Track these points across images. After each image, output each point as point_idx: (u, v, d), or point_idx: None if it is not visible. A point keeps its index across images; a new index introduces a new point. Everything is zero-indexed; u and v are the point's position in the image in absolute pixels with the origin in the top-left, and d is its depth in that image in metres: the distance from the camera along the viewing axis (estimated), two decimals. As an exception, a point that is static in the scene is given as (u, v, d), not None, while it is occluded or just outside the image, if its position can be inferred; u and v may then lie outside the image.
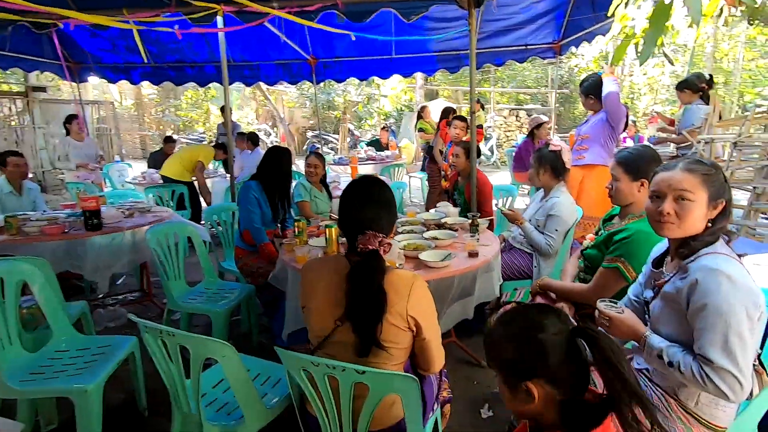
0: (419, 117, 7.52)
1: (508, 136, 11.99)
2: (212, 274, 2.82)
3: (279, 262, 2.28)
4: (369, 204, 1.32)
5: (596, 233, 1.94)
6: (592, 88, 3.14)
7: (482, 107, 8.98)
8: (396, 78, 8.25)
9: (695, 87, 4.12)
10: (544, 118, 5.96)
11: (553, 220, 2.54)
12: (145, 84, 7.57)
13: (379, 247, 1.28)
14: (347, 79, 7.66)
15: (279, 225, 3.01)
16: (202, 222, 3.93)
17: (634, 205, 1.78)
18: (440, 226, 2.61)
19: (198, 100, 14.79)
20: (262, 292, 2.79)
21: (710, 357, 1.09)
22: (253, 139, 6.02)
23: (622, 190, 1.77)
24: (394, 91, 16.99)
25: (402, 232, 2.49)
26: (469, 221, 2.62)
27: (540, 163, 2.65)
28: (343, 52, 6.84)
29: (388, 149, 7.23)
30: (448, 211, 2.88)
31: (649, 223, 1.33)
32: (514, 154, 5.99)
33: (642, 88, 13.05)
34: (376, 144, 7.51)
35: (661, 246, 1.43)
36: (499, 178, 8.75)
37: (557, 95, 12.19)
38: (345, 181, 4.86)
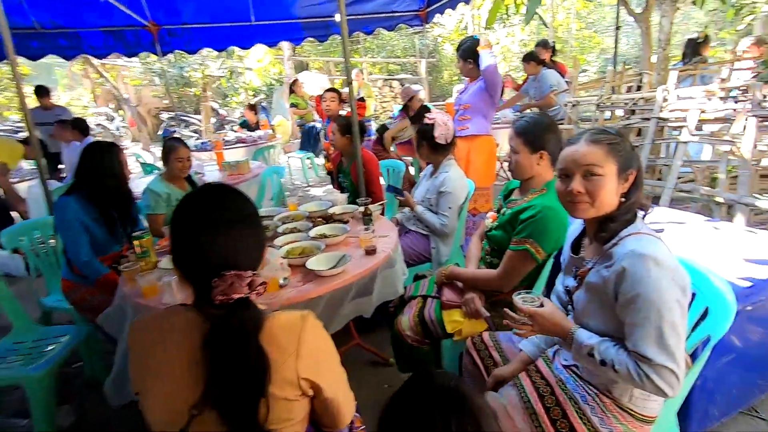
0: (291, 91, 6.91)
1: (384, 108, 11.92)
2: (23, 319, 2.05)
3: (116, 296, 1.70)
4: (223, 230, 0.87)
5: (498, 211, 1.79)
6: (470, 52, 3.01)
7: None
8: (262, 49, 7.40)
9: (538, 59, 4.53)
10: (416, 88, 5.91)
11: (445, 197, 2.37)
12: None
13: (251, 291, 0.88)
14: (200, 50, 6.60)
15: (127, 240, 2.30)
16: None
17: (535, 179, 1.64)
18: (328, 218, 2.25)
19: (1, 80, 11.64)
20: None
21: (646, 354, 0.98)
22: (79, 126, 4.77)
23: (522, 164, 1.62)
24: (260, 63, 15.69)
25: (283, 233, 2.07)
26: (361, 210, 2.31)
27: (421, 138, 2.46)
28: (192, 17, 5.81)
29: (259, 129, 6.51)
30: (334, 199, 2.52)
31: (563, 206, 1.18)
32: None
33: (497, 56, 14.09)
34: (246, 125, 6.71)
35: (577, 227, 1.30)
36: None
37: (426, 64, 12.50)
38: (210, 171, 4.14)
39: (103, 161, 2.12)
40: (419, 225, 2.53)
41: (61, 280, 2.20)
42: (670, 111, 2.56)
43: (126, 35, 5.86)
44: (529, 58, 4.71)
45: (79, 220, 2.03)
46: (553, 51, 4.85)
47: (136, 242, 1.74)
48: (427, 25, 6.83)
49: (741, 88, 2.23)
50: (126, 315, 1.58)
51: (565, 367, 1.24)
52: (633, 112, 2.84)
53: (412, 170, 4.98)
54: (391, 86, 11.96)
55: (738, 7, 3.30)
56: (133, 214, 2.32)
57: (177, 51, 6.45)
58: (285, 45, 10.45)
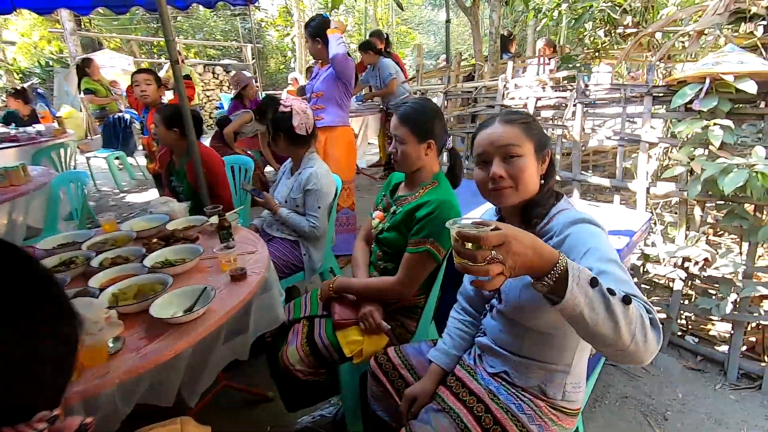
0: (83, 74, 5.46)
1: (208, 96, 10.60)
2: None
3: None
4: None
5: (385, 210, 1.60)
6: (318, 31, 2.71)
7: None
8: (29, 21, 5.55)
9: (376, 48, 4.61)
10: (248, 75, 5.34)
11: (313, 195, 2.08)
12: None
13: None
14: None
15: None
16: None
17: (423, 171, 1.50)
18: (167, 238, 1.71)
19: None
20: None
21: (631, 291, 0.78)
22: None
23: (409, 155, 1.45)
24: (26, 39, 12.22)
25: (101, 266, 1.47)
26: (212, 221, 1.84)
27: (277, 129, 2.12)
28: None
29: (37, 122, 4.94)
30: (170, 210, 1.96)
31: (483, 195, 1.07)
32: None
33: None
34: (15, 118, 5.02)
35: (490, 214, 1.21)
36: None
37: (250, 49, 11.59)
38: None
39: None
40: (285, 230, 2.18)
41: None
42: (510, 99, 2.79)
43: None
44: (366, 47, 4.69)
45: None
46: (387, 42, 4.94)
47: None
48: (252, 7, 6.27)
49: (566, 78, 2.59)
50: None
51: (492, 375, 1.14)
52: (476, 100, 3.03)
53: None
54: (213, 72, 10.73)
55: (537, 10, 3.87)
56: None
57: None
58: (65, 16, 8.28)
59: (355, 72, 2.85)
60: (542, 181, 1.06)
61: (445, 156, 1.65)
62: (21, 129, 4.69)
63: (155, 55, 12.85)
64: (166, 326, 1.16)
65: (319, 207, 2.09)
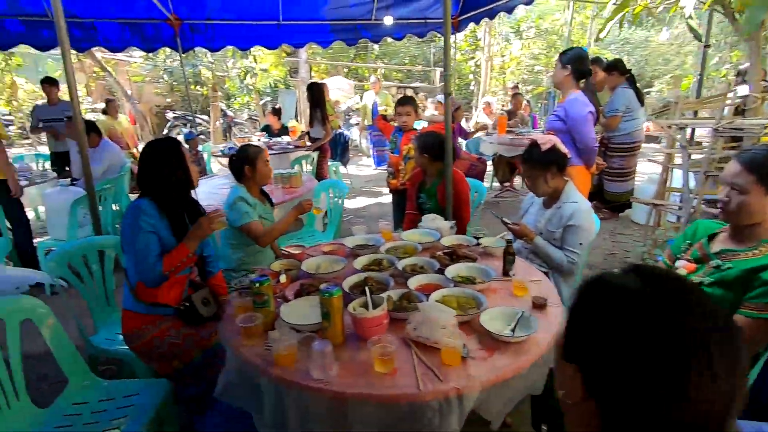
0: (312, 95, 6.52)
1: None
2: (82, 373, 1.64)
3: (233, 360, 1.32)
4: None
5: (700, 260, 1.47)
6: (575, 62, 2.57)
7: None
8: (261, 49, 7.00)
9: (623, 68, 4.07)
10: (456, 101, 5.67)
11: (575, 231, 2.04)
12: None
13: None
14: (223, 48, 6.20)
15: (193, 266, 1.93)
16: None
17: (763, 225, 1.33)
18: (451, 254, 1.87)
19: (-6, 69, 10.91)
20: (181, 382, 1.75)
21: None
22: (95, 129, 4.21)
23: (752, 206, 1.30)
24: (264, 64, 15.19)
25: (408, 272, 1.70)
26: (485, 244, 1.96)
27: (545, 165, 2.11)
28: (217, 13, 5.46)
29: (287, 134, 6.07)
30: (439, 227, 2.17)
31: None
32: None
33: (510, 66, 13.95)
34: (269, 130, 6.27)
35: None
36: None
37: (439, 73, 12.25)
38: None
39: (162, 163, 1.79)
40: (535, 259, 2.20)
41: (122, 314, 1.79)
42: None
43: (145, 29, 5.47)
44: (612, 68, 4.17)
45: (151, 225, 1.71)
46: (615, 68, 4.32)
47: (255, 288, 1.35)
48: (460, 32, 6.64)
49: None
50: (261, 389, 1.20)
51: None
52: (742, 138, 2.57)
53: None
54: (405, 94, 11.68)
55: None
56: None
57: (198, 48, 6.07)
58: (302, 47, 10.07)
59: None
60: None
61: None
62: (272, 139, 5.86)
63: (357, 77, 14.61)
64: (495, 342, 1.27)
65: (580, 244, 2.04)
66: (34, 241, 3.62)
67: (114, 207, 3.85)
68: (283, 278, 1.56)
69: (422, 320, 1.26)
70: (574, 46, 2.72)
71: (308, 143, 5.46)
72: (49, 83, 5.16)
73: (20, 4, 4.59)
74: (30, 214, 3.83)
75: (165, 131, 10.10)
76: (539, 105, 11.60)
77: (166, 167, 1.78)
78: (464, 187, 2.63)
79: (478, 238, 2.03)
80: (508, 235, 2.04)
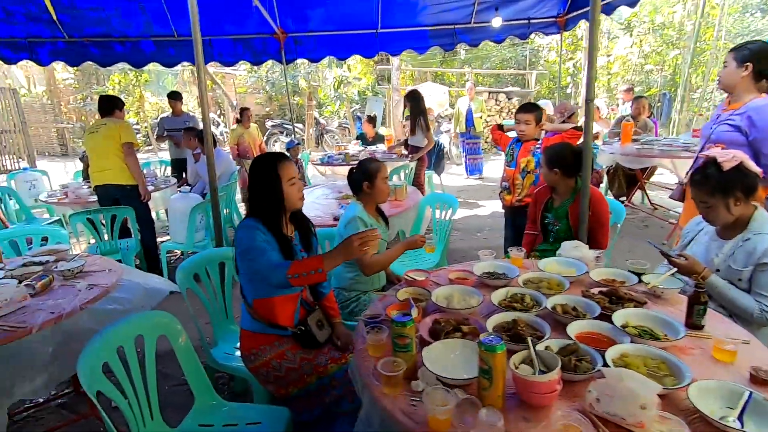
0: (415, 102, 6.40)
1: (488, 122, 11.09)
2: (208, 394, 1.60)
3: (371, 408, 1.15)
4: None
5: None
6: (754, 58, 2.11)
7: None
8: (355, 57, 7.01)
9: None
10: (543, 103, 5.16)
11: (772, 271, 1.60)
12: (59, 66, 5.84)
13: None
14: (323, 58, 6.35)
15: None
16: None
17: None
18: (611, 294, 1.55)
19: (128, 86, 12.48)
20: (295, 407, 1.66)
21: None
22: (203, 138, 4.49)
23: None
24: (353, 72, 15.57)
25: (559, 315, 1.42)
26: (673, 287, 1.61)
27: (728, 189, 1.69)
28: (319, 24, 5.60)
29: (374, 143, 6.03)
30: (582, 256, 1.85)
31: None
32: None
33: (613, 66, 12.72)
34: (363, 138, 6.28)
35: None
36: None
37: (535, 76, 11.54)
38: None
39: (263, 179, 1.68)
40: (710, 303, 1.77)
41: (240, 334, 1.75)
42: None
43: (254, 43, 5.78)
44: None
45: (266, 241, 1.62)
46: None
47: (397, 328, 1.18)
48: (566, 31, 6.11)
49: None
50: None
51: None
52: None
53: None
54: (496, 99, 11.15)
55: None
56: (312, 242, 1.88)
57: (301, 59, 6.29)
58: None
59: None
60: None
61: None
62: (368, 148, 5.84)
63: (444, 83, 14.36)
64: (711, 429, 0.95)
65: (780, 288, 1.60)
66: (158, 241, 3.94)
67: (225, 211, 4.05)
68: (414, 312, 1.38)
69: (611, 392, 0.98)
70: (756, 39, 2.16)
71: (404, 152, 5.34)
72: (173, 97, 5.67)
73: (153, 26, 5.10)
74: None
75: (264, 138, 10.75)
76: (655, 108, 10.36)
77: (267, 188, 1.68)
78: (604, 207, 2.26)
79: (638, 274, 1.68)
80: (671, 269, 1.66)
